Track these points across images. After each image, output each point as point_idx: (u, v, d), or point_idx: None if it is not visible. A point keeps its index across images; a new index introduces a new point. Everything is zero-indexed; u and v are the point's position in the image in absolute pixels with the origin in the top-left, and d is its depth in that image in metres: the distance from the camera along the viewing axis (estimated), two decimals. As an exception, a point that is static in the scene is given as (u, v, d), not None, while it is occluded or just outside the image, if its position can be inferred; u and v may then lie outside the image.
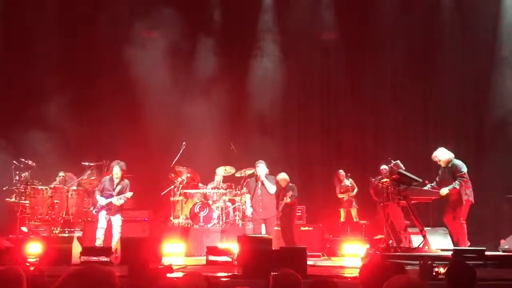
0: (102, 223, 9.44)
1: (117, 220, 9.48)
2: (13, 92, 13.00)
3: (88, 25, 13.37)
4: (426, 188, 9.05)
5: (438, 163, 9.23)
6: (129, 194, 9.56)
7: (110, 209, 9.44)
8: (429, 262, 6.39)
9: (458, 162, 9.06)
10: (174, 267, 8.01)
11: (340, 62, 13.66)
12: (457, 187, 8.87)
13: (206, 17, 13.82)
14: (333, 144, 13.59)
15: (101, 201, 9.42)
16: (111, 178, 9.64)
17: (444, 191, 8.91)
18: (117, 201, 9.44)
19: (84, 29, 13.31)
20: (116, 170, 9.52)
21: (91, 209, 9.92)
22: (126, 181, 9.67)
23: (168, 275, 6.95)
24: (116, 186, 9.55)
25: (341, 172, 12.11)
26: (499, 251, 10.04)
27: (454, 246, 8.93)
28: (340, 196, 12.05)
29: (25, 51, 13.10)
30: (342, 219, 12.04)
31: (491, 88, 13.01)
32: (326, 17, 13.63)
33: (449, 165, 9.05)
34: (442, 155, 9.17)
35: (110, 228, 9.55)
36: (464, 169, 8.97)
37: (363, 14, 13.58)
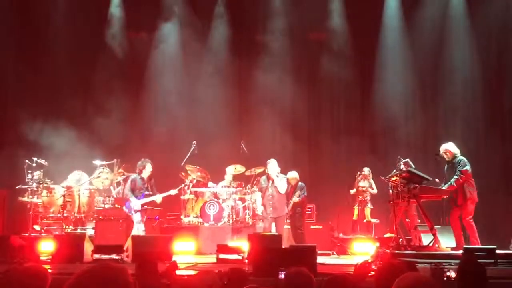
0: (138, 218, 9.71)
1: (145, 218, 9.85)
2: (25, 92, 13.12)
3: (97, 23, 13.51)
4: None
5: (445, 155, 9.17)
6: (173, 192, 10.10)
7: (146, 207, 9.75)
8: (441, 267, 6.39)
9: (463, 159, 9.01)
10: (185, 265, 8.09)
11: (350, 62, 13.66)
12: (454, 184, 8.80)
13: (214, 15, 13.90)
14: (343, 143, 13.58)
15: (140, 202, 9.63)
16: (141, 176, 9.78)
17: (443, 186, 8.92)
18: (160, 198, 9.90)
19: (94, 27, 13.44)
20: (150, 168, 9.76)
21: (126, 209, 9.93)
22: (153, 179, 9.96)
23: (177, 272, 7.01)
24: (148, 184, 9.81)
25: (365, 171, 11.93)
26: (510, 249, 10.01)
27: (456, 245, 8.89)
28: (352, 192, 11.94)
29: (38, 51, 13.23)
30: (354, 217, 11.98)
31: (503, 87, 12.98)
32: (335, 15, 13.67)
33: (454, 161, 9.01)
34: (451, 148, 9.14)
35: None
36: (467, 166, 8.89)
37: (372, 14, 13.61)
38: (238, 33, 13.87)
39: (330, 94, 13.98)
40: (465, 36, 13.23)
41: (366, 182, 11.80)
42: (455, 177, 8.80)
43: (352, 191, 11.89)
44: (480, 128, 13.04)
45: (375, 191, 11.76)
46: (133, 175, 10.06)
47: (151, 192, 9.83)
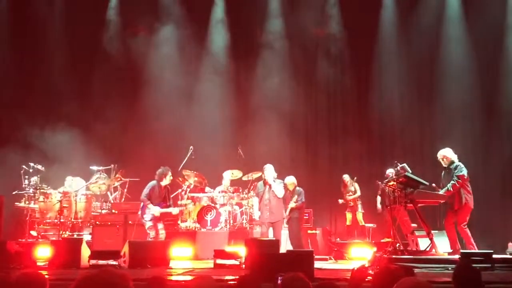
0: (150, 224, 9.74)
1: (162, 224, 9.87)
2: (23, 97, 13.12)
3: (95, 27, 13.53)
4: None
5: (442, 161, 9.19)
6: (191, 206, 10.60)
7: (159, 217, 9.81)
8: None
9: (460, 164, 9.03)
10: (182, 271, 8.08)
11: (347, 67, 13.73)
12: (451, 189, 8.81)
13: (212, 19, 13.95)
14: (340, 148, 13.62)
15: (158, 210, 9.66)
16: (159, 185, 9.79)
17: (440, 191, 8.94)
18: (177, 211, 10.07)
19: (92, 31, 13.46)
20: (171, 177, 9.88)
21: (141, 214, 9.86)
22: (169, 187, 10.03)
23: (174, 278, 7.01)
24: (165, 193, 9.88)
25: (345, 178, 12.14)
26: (507, 254, 10.02)
27: (451, 250, 8.91)
28: (348, 198, 12.07)
29: (35, 56, 13.25)
30: (348, 223, 12.08)
31: (500, 89, 13.03)
32: (332, 21, 13.71)
33: (451, 166, 9.04)
34: (448, 153, 9.15)
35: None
36: (464, 171, 8.90)
37: (369, 16, 13.66)
38: (236, 38, 13.91)
39: (328, 99, 14.02)
40: (462, 39, 13.29)
41: (350, 188, 11.96)
42: (452, 182, 8.82)
43: (341, 201, 12.07)
44: (477, 131, 13.07)
45: (358, 193, 11.90)
46: (152, 182, 9.88)
47: (169, 203, 9.93)
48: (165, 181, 9.82)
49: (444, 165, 9.16)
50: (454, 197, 8.92)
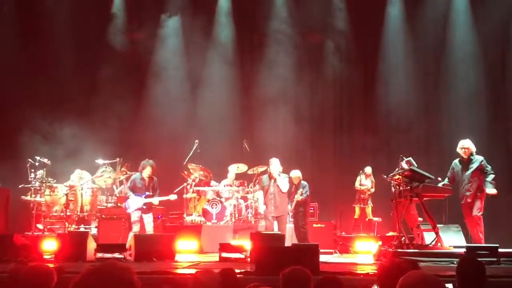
0: (135, 217, 9.75)
1: (149, 217, 9.85)
2: (28, 91, 13.14)
3: (100, 20, 13.53)
4: (439, 185, 9.04)
5: (462, 152, 9.17)
6: (172, 197, 10.14)
7: (144, 207, 9.77)
8: None
9: (482, 158, 9.14)
10: (188, 264, 8.12)
11: (354, 61, 13.66)
12: (493, 181, 9.00)
13: (218, 12, 13.92)
14: (346, 142, 13.58)
15: (137, 201, 9.69)
16: (142, 177, 9.86)
17: (491, 191, 9.00)
18: (157, 201, 9.91)
19: (97, 25, 13.45)
20: (149, 171, 9.82)
21: (125, 207, 9.97)
22: (155, 178, 9.99)
23: (180, 271, 7.04)
24: (148, 184, 9.84)
25: (367, 170, 11.93)
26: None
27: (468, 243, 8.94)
28: (357, 187, 11.91)
29: (41, 51, 13.26)
30: (356, 216, 11.98)
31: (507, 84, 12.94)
32: (339, 14, 13.65)
33: (471, 157, 9.06)
34: (470, 145, 9.19)
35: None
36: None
37: (376, 9, 13.59)
38: (241, 31, 13.87)
39: (334, 92, 13.95)
40: (469, 32, 13.18)
41: (368, 181, 11.80)
42: (492, 175, 8.99)
43: (357, 184, 11.86)
44: (484, 125, 12.98)
45: (373, 190, 11.79)
46: (135, 175, 10.18)
47: (151, 193, 9.85)
48: (146, 172, 9.84)
49: (464, 156, 9.15)
50: (475, 187, 8.99)
